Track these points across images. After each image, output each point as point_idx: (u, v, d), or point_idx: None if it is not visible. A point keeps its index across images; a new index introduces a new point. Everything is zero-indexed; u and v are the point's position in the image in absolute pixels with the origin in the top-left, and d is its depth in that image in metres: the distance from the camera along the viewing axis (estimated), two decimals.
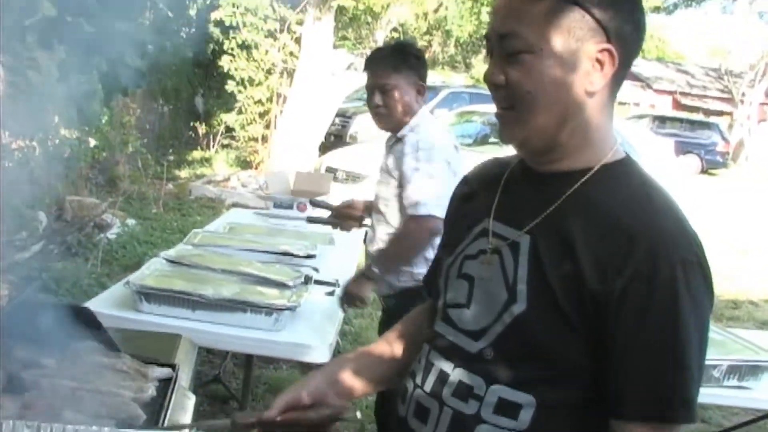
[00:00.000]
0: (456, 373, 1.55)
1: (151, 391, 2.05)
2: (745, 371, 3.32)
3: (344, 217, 4.07)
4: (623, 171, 1.53)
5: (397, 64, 3.47)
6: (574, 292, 1.42)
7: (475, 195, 1.71)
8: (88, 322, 2.28)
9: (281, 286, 3.58)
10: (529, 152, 1.57)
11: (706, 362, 3.10)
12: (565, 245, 1.45)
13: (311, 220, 4.50)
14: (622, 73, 1.51)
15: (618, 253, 1.40)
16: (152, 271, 3.53)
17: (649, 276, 1.38)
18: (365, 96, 3.62)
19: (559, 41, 1.44)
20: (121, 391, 2.00)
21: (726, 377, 3.29)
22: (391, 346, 1.82)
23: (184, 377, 2.34)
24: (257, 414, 1.65)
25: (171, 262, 3.71)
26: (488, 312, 1.52)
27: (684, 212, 1.49)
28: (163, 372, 2.20)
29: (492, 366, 1.50)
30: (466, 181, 1.82)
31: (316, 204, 4.59)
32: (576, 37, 1.45)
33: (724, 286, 9.90)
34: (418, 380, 1.62)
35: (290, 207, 5.85)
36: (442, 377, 1.57)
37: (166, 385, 2.14)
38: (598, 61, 1.46)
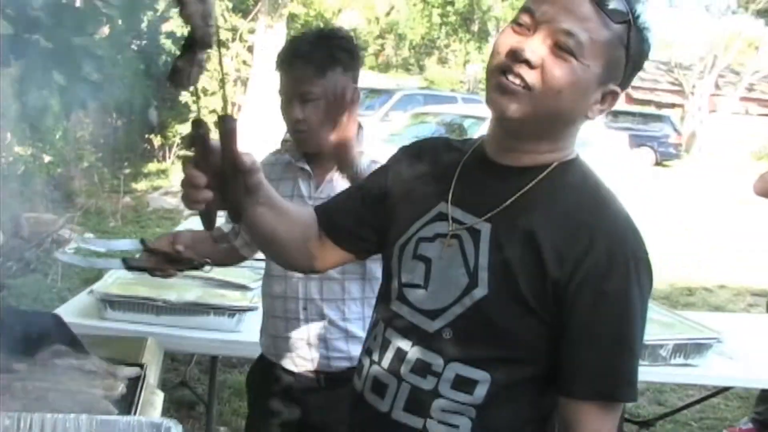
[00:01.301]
0: (414, 351, 1.64)
1: (121, 388, 2.14)
2: (690, 349, 3.46)
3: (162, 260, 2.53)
4: (577, 170, 1.65)
5: (323, 65, 2.54)
6: (536, 279, 1.54)
7: (426, 175, 1.77)
8: (56, 327, 2.36)
9: (242, 288, 3.69)
10: (511, 133, 1.63)
11: (653, 342, 3.28)
12: (526, 236, 1.55)
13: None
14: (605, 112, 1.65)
15: (579, 247, 1.52)
16: (114, 280, 3.61)
17: (606, 269, 1.51)
18: None
19: (601, 68, 1.54)
20: (92, 390, 2.08)
21: (672, 356, 3.42)
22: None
23: (152, 376, 2.42)
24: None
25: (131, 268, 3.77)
26: (447, 293, 1.61)
27: (626, 210, 1.62)
28: (132, 371, 2.28)
29: (450, 345, 1.60)
30: (401, 157, 1.86)
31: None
32: (611, 73, 1.56)
33: (679, 273, 10.13)
34: (375, 357, 1.72)
35: None
36: (400, 354, 1.66)
37: (135, 383, 2.22)
38: (604, 99, 1.59)
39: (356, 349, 2.43)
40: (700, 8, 37.45)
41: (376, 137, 2.70)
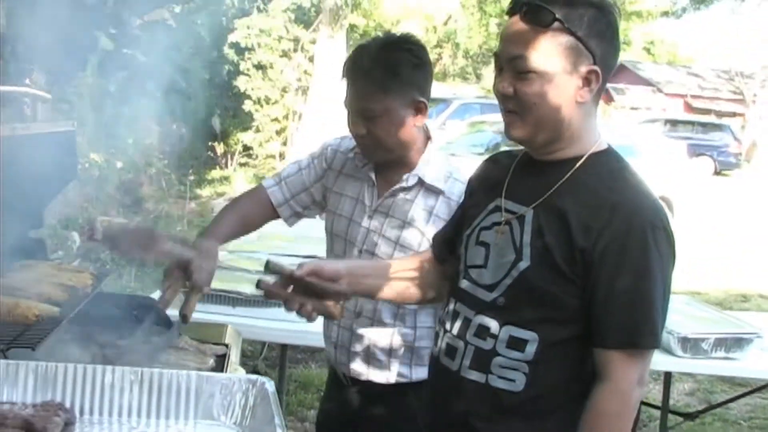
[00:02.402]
0: (476, 318, 1.97)
1: (210, 363, 2.43)
2: (730, 343, 3.67)
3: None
4: (606, 158, 1.96)
5: (386, 82, 2.48)
6: (567, 249, 1.85)
7: (487, 179, 2.13)
8: (152, 310, 2.65)
9: None
10: (530, 146, 1.98)
11: (695, 336, 3.49)
12: (560, 215, 1.87)
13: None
14: (603, 86, 1.91)
15: (601, 219, 1.83)
16: None
17: (625, 236, 1.81)
18: None
19: (559, 64, 1.84)
20: (186, 363, 2.37)
21: (713, 349, 3.64)
22: (405, 269, 2.26)
23: (234, 356, 2.71)
24: (287, 267, 2.10)
25: None
26: (500, 269, 1.94)
27: (651, 189, 1.94)
28: (218, 349, 2.57)
29: (503, 311, 1.92)
30: (471, 180, 2.27)
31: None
32: (571, 61, 1.85)
33: (736, 282, 10.21)
34: (447, 326, 2.05)
35: (313, 217, 6.20)
36: (466, 322, 1.99)
37: (221, 360, 2.51)
38: (587, 79, 1.87)
39: (376, 372, 2.65)
40: (762, 16, 36.94)
41: (435, 146, 2.73)
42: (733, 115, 34.70)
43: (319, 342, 3.57)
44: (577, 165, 1.92)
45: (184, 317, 2.36)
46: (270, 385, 1.83)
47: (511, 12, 1.92)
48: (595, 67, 1.86)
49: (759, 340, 3.72)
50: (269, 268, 2.07)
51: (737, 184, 24.66)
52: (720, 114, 34.12)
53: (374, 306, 2.60)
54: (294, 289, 2.09)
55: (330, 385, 2.97)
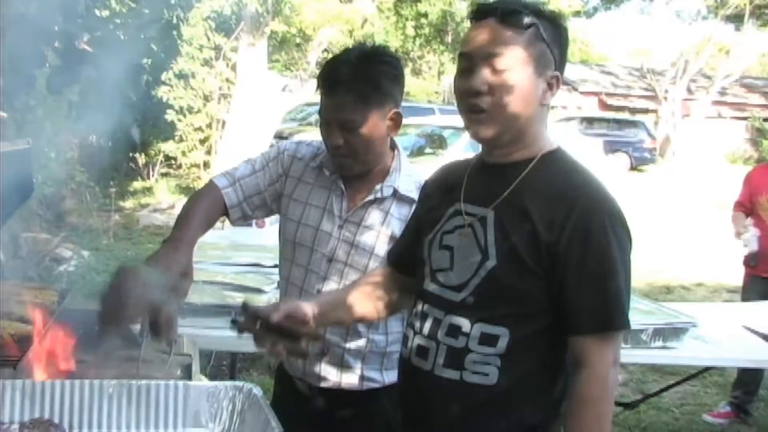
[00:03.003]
0: (446, 318, 2.04)
1: (177, 373, 2.46)
2: (668, 333, 3.83)
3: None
4: (558, 157, 2.08)
5: (367, 93, 2.51)
6: (533, 245, 1.95)
7: (443, 186, 2.22)
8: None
9: (258, 291, 4.00)
10: (493, 145, 2.06)
11: (635, 328, 3.64)
12: (522, 213, 1.97)
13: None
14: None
15: (562, 213, 1.93)
16: None
17: (586, 227, 1.93)
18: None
19: (531, 67, 1.97)
20: (154, 375, 2.40)
21: (652, 340, 3.79)
22: (370, 288, 2.35)
23: (194, 366, 2.74)
24: (264, 311, 2.13)
25: None
26: (467, 270, 2.02)
27: (603, 183, 2.06)
28: (182, 359, 2.61)
29: (473, 309, 2.01)
30: (426, 185, 2.37)
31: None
32: (541, 65, 1.99)
33: (658, 274, 10.51)
34: (417, 328, 2.12)
35: (249, 225, 6.24)
36: (436, 323, 2.06)
37: (187, 370, 2.54)
38: (550, 84, 2.02)
39: (348, 379, 2.69)
40: (671, 14, 37.98)
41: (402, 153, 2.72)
42: (646, 111, 35.42)
43: None
44: (532, 164, 2.03)
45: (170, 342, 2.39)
46: (257, 390, 1.89)
47: (479, 16, 2.03)
48: (557, 73, 2.03)
49: (694, 329, 3.89)
50: (246, 311, 2.12)
51: (653, 179, 25.25)
52: (634, 111, 34.84)
53: None
54: (266, 327, 2.12)
55: (283, 399, 2.88)
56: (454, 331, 2.03)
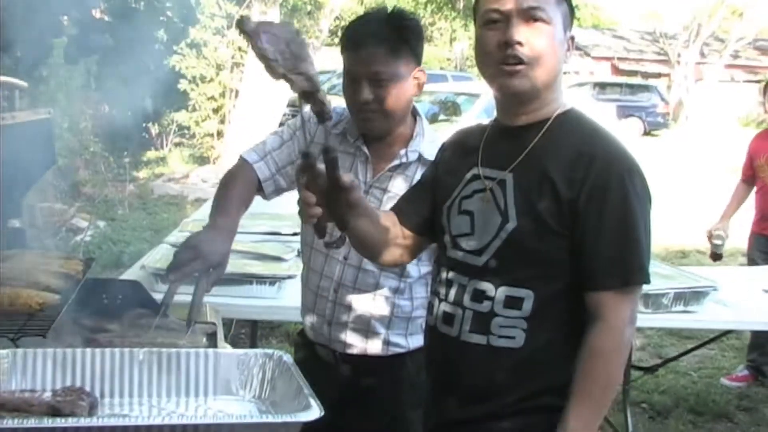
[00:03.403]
0: (471, 284, 2.04)
1: (204, 341, 2.46)
2: (689, 297, 3.82)
3: None
4: (573, 116, 2.08)
5: (396, 46, 2.52)
6: (553, 204, 1.95)
7: (460, 151, 2.21)
8: (137, 293, 2.68)
9: (277, 259, 4.00)
10: (523, 100, 2.03)
11: (656, 292, 3.64)
12: (541, 174, 1.97)
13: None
14: None
15: (581, 170, 1.94)
16: (161, 256, 3.92)
17: (606, 183, 1.93)
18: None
19: (561, 22, 1.99)
20: (179, 343, 2.40)
21: (673, 304, 3.79)
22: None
23: (219, 334, 2.75)
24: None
25: (175, 246, 4.09)
26: (487, 234, 2.02)
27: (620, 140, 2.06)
28: (207, 327, 2.61)
29: (496, 273, 2.01)
30: (444, 148, 2.33)
31: None
32: (565, 24, 2.02)
33: (673, 239, 10.48)
34: (442, 295, 2.12)
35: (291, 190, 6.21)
36: (461, 289, 2.06)
37: (211, 338, 2.55)
38: (568, 43, 2.04)
39: (374, 345, 2.70)
40: None
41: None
42: (659, 75, 35.28)
43: (290, 316, 3.62)
44: (548, 125, 2.03)
45: (191, 321, 2.33)
46: (288, 358, 1.89)
47: None
48: (572, 33, 2.06)
49: (715, 292, 3.89)
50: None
51: (666, 143, 25.14)
52: (646, 75, 34.69)
53: (376, 280, 2.65)
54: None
55: (305, 366, 2.84)
56: (479, 295, 2.03)
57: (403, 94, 2.57)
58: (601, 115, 13.86)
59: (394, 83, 2.53)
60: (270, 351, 1.95)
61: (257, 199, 2.82)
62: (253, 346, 4.46)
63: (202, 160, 15.69)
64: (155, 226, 10.28)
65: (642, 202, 1.97)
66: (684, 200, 14.06)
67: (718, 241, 5.80)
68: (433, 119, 13.21)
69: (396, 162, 2.65)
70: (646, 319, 3.76)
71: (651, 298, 3.70)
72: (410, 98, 2.63)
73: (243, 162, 2.72)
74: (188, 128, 15.97)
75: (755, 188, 5.97)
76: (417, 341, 2.67)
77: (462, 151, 2.20)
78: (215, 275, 2.38)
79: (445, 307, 2.11)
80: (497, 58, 1.98)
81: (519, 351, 1.99)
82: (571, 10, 2.06)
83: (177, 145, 16.66)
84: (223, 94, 15.48)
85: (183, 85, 14.90)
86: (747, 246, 6.08)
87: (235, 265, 3.84)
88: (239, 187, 2.66)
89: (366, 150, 2.67)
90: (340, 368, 2.75)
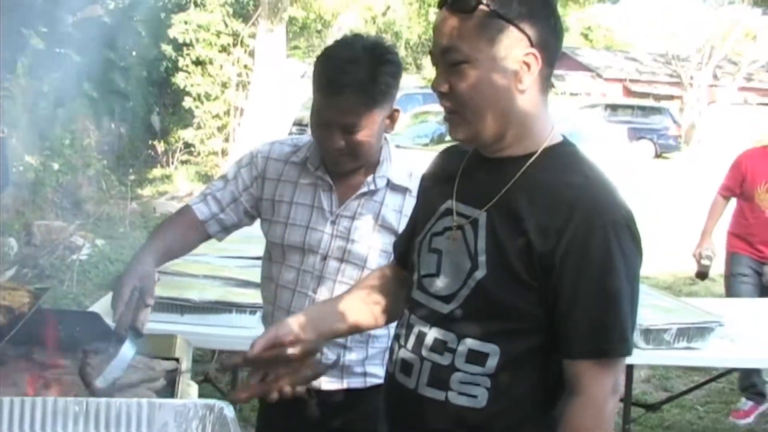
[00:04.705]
0: (432, 332, 1.82)
1: (161, 380, 2.29)
2: (693, 333, 3.62)
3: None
4: (561, 152, 1.81)
5: (373, 95, 2.39)
6: (525, 255, 1.70)
7: (437, 179, 1.99)
8: (95, 325, 2.51)
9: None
10: (478, 145, 1.85)
11: (657, 327, 3.42)
12: (515, 218, 1.73)
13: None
14: (547, 71, 1.78)
15: (559, 220, 1.69)
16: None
17: (586, 236, 1.67)
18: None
19: (490, 51, 1.71)
20: (135, 382, 2.23)
21: (676, 340, 3.58)
22: (367, 294, 2.10)
23: (185, 369, 2.57)
24: (242, 354, 1.89)
25: (166, 272, 3.91)
26: (455, 279, 1.79)
27: (613, 184, 1.79)
28: (169, 364, 2.43)
29: (461, 323, 1.78)
30: (424, 177, 2.11)
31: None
32: (504, 46, 1.71)
33: (682, 265, 10.25)
34: (402, 341, 1.90)
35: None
36: (421, 336, 1.84)
37: (172, 376, 2.37)
38: (525, 63, 1.73)
39: (351, 379, 2.57)
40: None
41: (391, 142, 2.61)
42: (671, 98, 35.10)
43: None
44: (530, 161, 1.78)
45: (136, 330, 2.22)
46: (229, 411, 1.71)
47: (439, 4, 1.79)
48: (533, 50, 1.73)
49: (720, 328, 3.68)
50: (223, 368, 1.96)
51: (678, 166, 24.92)
52: (658, 97, 34.50)
53: None
54: (259, 370, 1.92)
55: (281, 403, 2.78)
56: (440, 346, 1.81)
57: (376, 137, 2.47)
58: (613, 137, 13.78)
59: (366, 131, 2.41)
60: (212, 402, 1.77)
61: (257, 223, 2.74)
62: (233, 378, 4.27)
63: (206, 178, 15.55)
64: None
65: (629, 262, 1.71)
66: (693, 224, 13.82)
67: (707, 262, 5.67)
68: (440, 140, 13.05)
69: (363, 189, 2.53)
70: (647, 356, 3.57)
71: (652, 334, 3.50)
72: (382, 136, 2.52)
73: (185, 206, 2.69)
74: (194, 146, 15.88)
75: (741, 209, 5.82)
76: None
77: (440, 177, 1.98)
78: (146, 288, 2.32)
79: (403, 354, 1.89)
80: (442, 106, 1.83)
81: (481, 412, 1.77)
82: (527, 22, 1.72)
83: (184, 162, 16.55)
84: (227, 112, 15.38)
85: (188, 102, 14.81)
86: (726, 265, 5.88)
87: (215, 293, 3.67)
88: (173, 227, 2.63)
89: (329, 179, 2.56)
90: (316, 404, 2.54)
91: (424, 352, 1.83)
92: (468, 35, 1.72)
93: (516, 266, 1.72)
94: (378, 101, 2.40)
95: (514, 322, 1.75)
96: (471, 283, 1.77)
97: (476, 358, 1.76)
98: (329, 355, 2.39)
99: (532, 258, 1.70)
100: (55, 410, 1.68)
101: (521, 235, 1.72)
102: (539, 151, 1.79)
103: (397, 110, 2.51)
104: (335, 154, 2.46)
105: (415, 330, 1.86)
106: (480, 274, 1.76)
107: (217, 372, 4.52)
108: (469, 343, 1.77)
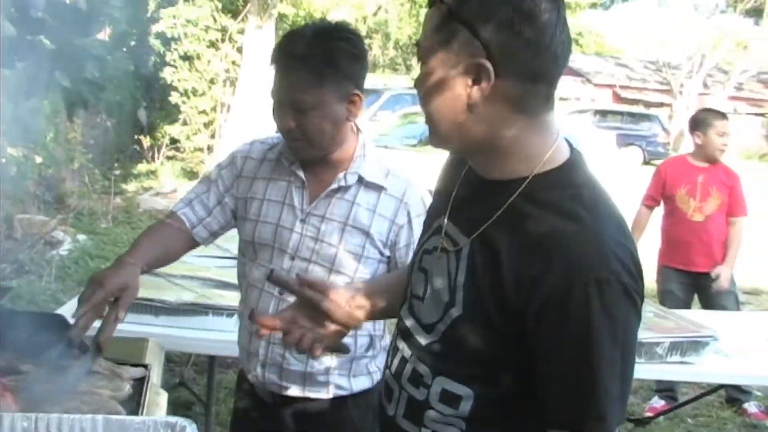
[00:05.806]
0: (411, 362, 1.67)
1: (127, 389, 2.15)
2: (686, 347, 3.49)
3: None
4: (556, 179, 1.53)
5: (323, 72, 2.28)
6: (498, 302, 1.49)
7: (438, 190, 1.80)
8: (60, 328, 2.36)
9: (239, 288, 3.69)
10: (461, 156, 1.67)
11: (649, 340, 3.30)
12: (493, 257, 1.51)
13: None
14: (517, 87, 1.49)
15: (534, 270, 1.43)
16: None
17: (563, 298, 1.41)
18: None
19: (440, 54, 1.49)
20: (99, 390, 2.09)
21: (668, 354, 3.46)
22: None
23: (155, 377, 2.43)
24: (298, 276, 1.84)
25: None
26: (436, 310, 1.61)
27: (617, 226, 1.51)
28: (137, 371, 2.29)
29: (438, 359, 1.61)
30: (438, 179, 1.86)
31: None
32: (454, 51, 1.47)
33: None
34: (389, 361, 1.77)
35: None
36: (402, 364, 1.70)
37: (140, 384, 2.23)
38: (474, 76, 1.47)
39: (313, 387, 2.47)
40: (688, 7, 37.39)
41: (367, 138, 2.51)
42: (661, 105, 35.06)
43: None
44: (520, 189, 1.51)
45: (98, 346, 2.14)
46: (192, 429, 1.56)
47: (429, 4, 1.56)
48: (483, 61, 1.44)
49: (715, 342, 3.56)
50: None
51: None
52: (648, 104, 34.45)
53: None
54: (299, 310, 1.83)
55: (245, 401, 2.69)
56: (416, 379, 1.64)
57: (329, 121, 2.35)
58: (601, 142, 13.69)
59: (317, 111, 2.31)
60: (173, 419, 1.63)
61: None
62: (210, 381, 4.13)
63: (192, 175, 15.40)
64: None
65: (616, 326, 1.41)
66: None
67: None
68: (428, 140, 12.94)
69: (334, 186, 2.44)
70: (639, 370, 3.41)
71: (644, 347, 3.36)
72: (341, 124, 2.39)
73: (170, 213, 2.59)
74: (179, 142, 15.72)
75: (665, 218, 5.78)
76: (361, 384, 2.50)
77: (444, 186, 1.76)
78: (124, 301, 2.20)
79: (387, 376, 1.75)
80: None
81: None
82: (485, 28, 1.45)
83: (169, 158, 16.38)
84: (214, 109, 15.22)
85: (174, 97, 14.64)
86: (657, 279, 5.80)
87: (192, 294, 3.54)
88: (159, 232, 2.54)
89: (302, 175, 2.48)
90: (279, 410, 2.54)
91: (402, 381, 1.69)
92: (429, 33, 1.52)
93: (490, 312, 1.50)
94: (329, 79, 2.29)
95: (489, 368, 1.54)
96: (447, 320, 1.58)
97: (449, 399, 1.59)
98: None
99: (504, 306, 1.48)
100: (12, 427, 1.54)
101: (496, 280, 1.49)
102: (530, 177, 1.52)
103: (357, 94, 2.36)
104: (288, 137, 2.39)
105: (399, 355, 1.72)
106: (456, 312, 1.57)
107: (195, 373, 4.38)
108: (443, 382, 1.60)
